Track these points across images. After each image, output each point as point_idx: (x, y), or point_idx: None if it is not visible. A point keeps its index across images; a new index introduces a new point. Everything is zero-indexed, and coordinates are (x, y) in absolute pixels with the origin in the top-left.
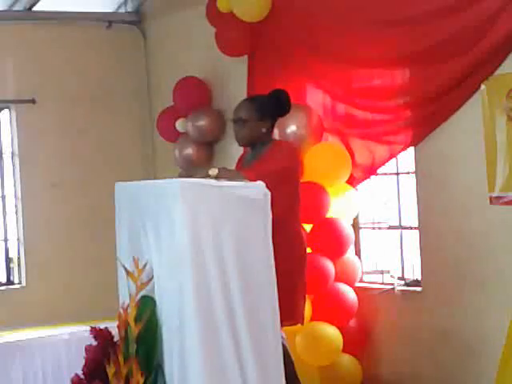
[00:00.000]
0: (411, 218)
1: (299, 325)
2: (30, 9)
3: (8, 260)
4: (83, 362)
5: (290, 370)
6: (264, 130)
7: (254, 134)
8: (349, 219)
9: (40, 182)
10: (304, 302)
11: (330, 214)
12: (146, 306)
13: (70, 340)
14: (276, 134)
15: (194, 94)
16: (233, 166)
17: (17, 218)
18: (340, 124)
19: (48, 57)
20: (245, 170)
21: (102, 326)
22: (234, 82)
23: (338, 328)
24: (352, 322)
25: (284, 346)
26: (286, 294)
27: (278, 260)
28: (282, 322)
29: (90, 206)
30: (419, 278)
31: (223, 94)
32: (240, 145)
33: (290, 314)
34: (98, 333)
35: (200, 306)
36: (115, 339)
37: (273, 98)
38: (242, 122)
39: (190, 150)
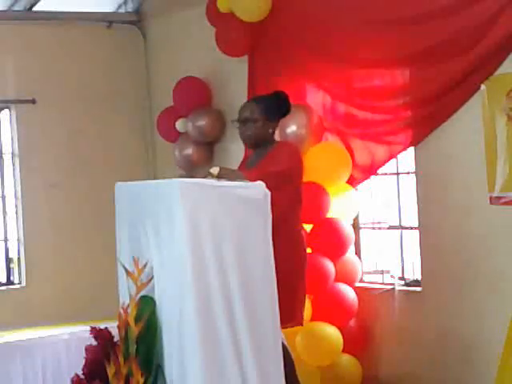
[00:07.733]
0: (411, 217)
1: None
2: (30, 9)
3: (8, 260)
4: (83, 362)
5: (290, 370)
6: (271, 130)
7: (261, 134)
8: (349, 219)
9: (40, 182)
10: (304, 304)
11: (330, 214)
12: (146, 306)
13: (69, 340)
14: (276, 133)
15: (194, 94)
16: (233, 166)
17: (17, 218)
18: (340, 124)
19: (48, 57)
20: (250, 170)
21: (102, 326)
22: (234, 82)
23: (338, 328)
24: (352, 322)
25: (284, 346)
26: (285, 295)
27: (278, 260)
28: (282, 323)
29: (90, 205)
30: (419, 278)
31: (223, 93)
32: (248, 146)
33: (290, 315)
34: (98, 333)
35: (200, 306)
36: (115, 339)
37: (276, 99)
38: (251, 122)
39: (189, 150)
